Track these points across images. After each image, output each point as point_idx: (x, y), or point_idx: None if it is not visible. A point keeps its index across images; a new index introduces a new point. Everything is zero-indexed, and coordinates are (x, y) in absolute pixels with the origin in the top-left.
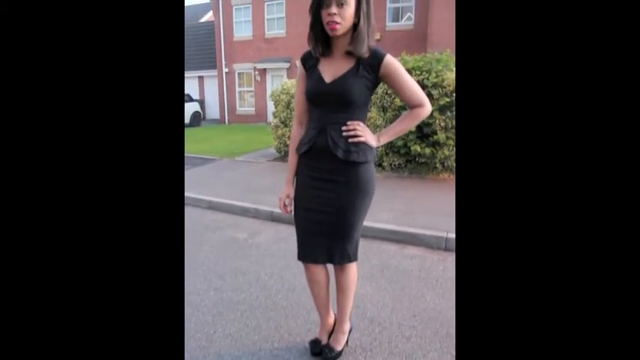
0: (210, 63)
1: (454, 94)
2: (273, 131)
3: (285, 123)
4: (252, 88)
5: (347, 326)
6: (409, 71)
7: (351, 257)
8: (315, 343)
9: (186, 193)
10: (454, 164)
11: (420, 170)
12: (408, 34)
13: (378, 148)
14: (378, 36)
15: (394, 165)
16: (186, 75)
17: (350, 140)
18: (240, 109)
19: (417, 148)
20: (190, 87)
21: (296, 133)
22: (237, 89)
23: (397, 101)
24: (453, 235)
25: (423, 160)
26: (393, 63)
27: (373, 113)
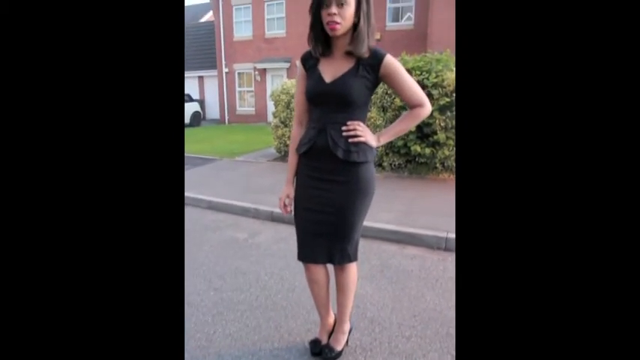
0: (211, 63)
1: (454, 94)
2: (273, 131)
3: (285, 123)
4: (252, 88)
5: (347, 326)
6: (409, 71)
7: (351, 257)
8: (315, 343)
9: (186, 193)
10: (454, 164)
11: (420, 170)
12: (408, 34)
13: (378, 148)
14: (378, 36)
15: (394, 165)
16: (186, 75)
17: (350, 140)
18: (240, 109)
19: (417, 148)
20: (190, 87)
21: (296, 133)
22: (237, 89)
23: (397, 101)
24: (453, 235)
25: (423, 160)
26: (393, 63)
27: (373, 113)
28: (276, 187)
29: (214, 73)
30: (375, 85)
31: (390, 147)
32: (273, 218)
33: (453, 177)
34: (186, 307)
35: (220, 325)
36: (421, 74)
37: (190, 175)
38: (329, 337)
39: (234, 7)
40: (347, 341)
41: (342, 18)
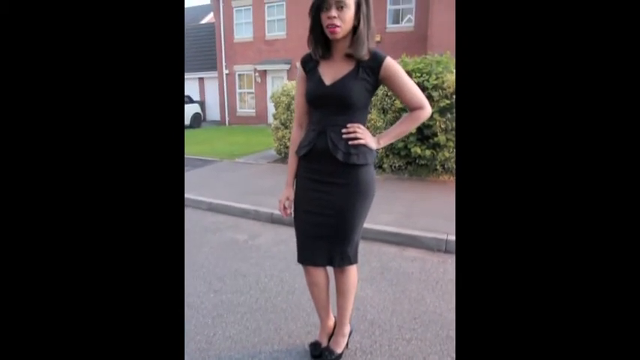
0: (211, 64)
1: (454, 96)
2: (273, 133)
3: (285, 125)
4: (253, 90)
5: (347, 329)
6: (409, 73)
7: (351, 260)
8: (315, 346)
9: (186, 195)
10: (454, 166)
11: (421, 172)
12: (408, 36)
13: (378, 150)
14: (378, 38)
15: (394, 167)
16: (186, 76)
17: (350, 143)
18: (241, 111)
19: (417, 150)
20: (191, 88)
21: (296, 135)
22: (238, 91)
23: (397, 103)
24: (453, 238)
25: (423, 162)
26: (392, 65)
27: (373, 115)
28: (276, 188)
29: (215, 74)
30: (375, 87)
31: (390, 149)
32: (273, 220)
33: (453, 179)
34: (186, 309)
35: (220, 327)
36: (421, 76)
37: (190, 177)
38: (329, 339)
39: (234, 9)
40: (347, 344)
41: (341, 21)
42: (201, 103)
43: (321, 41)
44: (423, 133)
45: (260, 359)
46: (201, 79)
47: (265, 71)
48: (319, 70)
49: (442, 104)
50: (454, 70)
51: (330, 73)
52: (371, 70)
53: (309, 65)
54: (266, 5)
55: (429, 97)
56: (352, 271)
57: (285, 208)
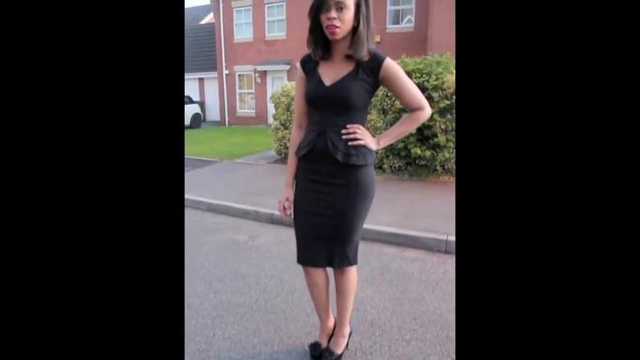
0: (211, 65)
1: (454, 97)
2: (273, 133)
3: (285, 125)
4: (253, 90)
5: (347, 329)
6: (409, 74)
7: (351, 260)
8: (314, 347)
9: (186, 195)
10: (454, 167)
11: (421, 173)
12: (408, 36)
13: (377, 151)
14: (378, 38)
15: (394, 167)
16: (186, 77)
17: (350, 143)
18: (241, 111)
19: (417, 150)
20: (190, 89)
21: (295, 136)
22: (238, 91)
23: (397, 104)
24: (453, 238)
25: (423, 162)
26: (392, 66)
27: (373, 116)
28: (276, 189)
29: (215, 75)
30: (375, 88)
31: (390, 149)
32: (273, 221)
33: (453, 179)
34: (186, 309)
35: (220, 328)
36: (421, 77)
37: (190, 177)
38: (329, 340)
39: (234, 9)
40: (347, 344)
41: (341, 22)
42: (201, 104)
43: (320, 42)
44: (423, 134)
45: None
46: (201, 80)
47: (265, 72)
48: (319, 71)
49: (442, 105)
50: (454, 71)
51: (330, 73)
52: (370, 71)
53: (309, 66)
54: (266, 6)
55: (429, 98)
56: (352, 271)
57: (284, 208)
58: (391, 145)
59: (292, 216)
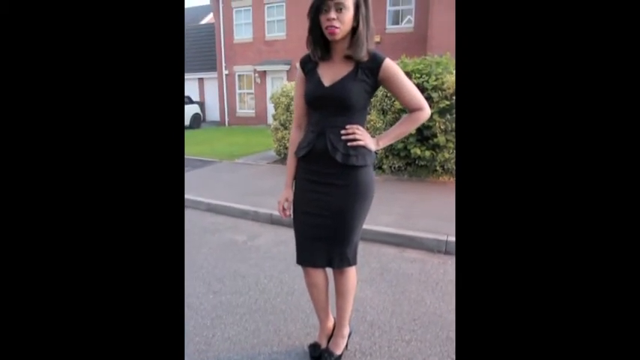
0: (211, 65)
1: (454, 97)
2: (272, 134)
3: (284, 125)
4: (252, 91)
5: (346, 330)
6: (409, 74)
7: (350, 261)
8: (314, 347)
9: (186, 196)
10: (454, 167)
11: (420, 173)
12: (407, 36)
13: (377, 151)
14: (377, 39)
15: (394, 168)
16: (186, 77)
17: (349, 144)
18: (240, 112)
19: (416, 150)
20: (190, 89)
21: (295, 136)
22: (237, 91)
23: (397, 104)
24: (453, 239)
25: (422, 162)
26: (392, 67)
27: (373, 116)
28: (275, 189)
29: (214, 75)
30: (374, 88)
31: (389, 150)
32: (272, 221)
33: (452, 180)
34: (185, 310)
35: (219, 328)
36: (421, 77)
37: (190, 178)
38: (328, 340)
39: (234, 10)
40: (346, 345)
41: (340, 22)
42: (201, 104)
43: (320, 42)
44: (423, 134)
45: None
46: (200, 80)
47: (265, 72)
48: (318, 72)
49: (442, 105)
50: (454, 71)
51: (329, 74)
52: (370, 72)
53: (308, 66)
54: (266, 6)
55: (429, 98)
56: (351, 272)
57: (284, 209)
58: (391, 145)
59: (292, 216)
